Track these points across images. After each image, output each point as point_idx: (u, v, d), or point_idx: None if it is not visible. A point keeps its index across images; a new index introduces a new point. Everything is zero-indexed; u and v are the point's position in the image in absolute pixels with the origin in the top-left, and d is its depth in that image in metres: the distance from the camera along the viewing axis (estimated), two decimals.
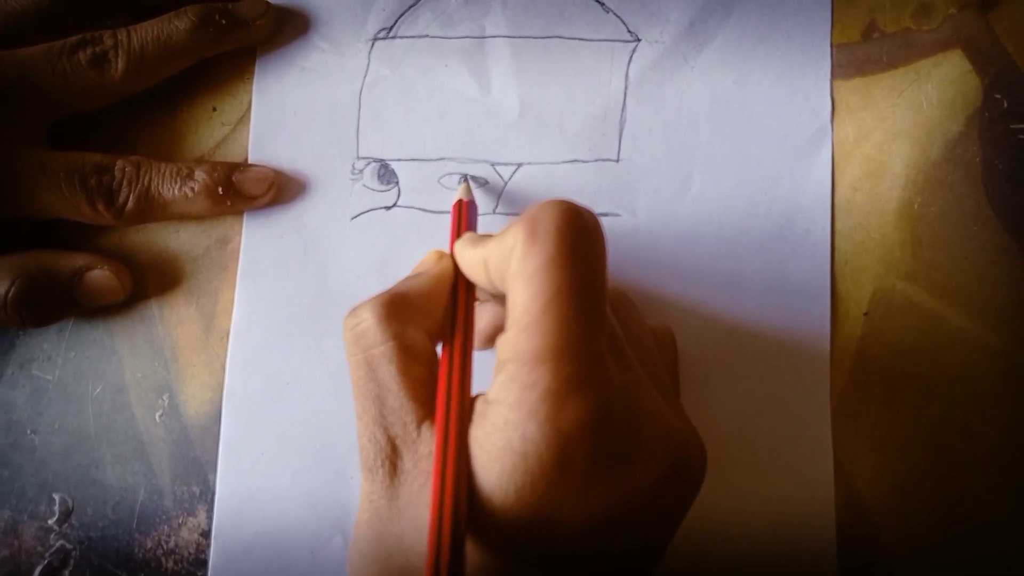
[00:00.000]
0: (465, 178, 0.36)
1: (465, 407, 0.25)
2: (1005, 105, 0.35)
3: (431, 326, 0.27)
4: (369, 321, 0.26)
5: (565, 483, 0.23)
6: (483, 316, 0.30)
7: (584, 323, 0.23)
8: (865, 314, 0.35)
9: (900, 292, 0.35)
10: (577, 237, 0.24)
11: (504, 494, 0.23)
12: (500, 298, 0.30)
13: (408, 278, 0.29)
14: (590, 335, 0.24)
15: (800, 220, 0.35)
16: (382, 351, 0.26)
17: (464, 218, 0.32)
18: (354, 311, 0.27)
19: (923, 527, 0.33)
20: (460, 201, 0.33)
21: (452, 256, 0.29)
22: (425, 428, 0.25)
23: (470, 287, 0.29)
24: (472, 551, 0.23)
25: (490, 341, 0.30)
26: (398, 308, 0.27)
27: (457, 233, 0.31)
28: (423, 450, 0.25)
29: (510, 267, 0.24)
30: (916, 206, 0.35)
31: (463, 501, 0.23)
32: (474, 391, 0.26)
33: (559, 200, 0.25)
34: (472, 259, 0.27)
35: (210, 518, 0.35)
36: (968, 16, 0.36)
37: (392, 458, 0.25)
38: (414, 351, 0.26)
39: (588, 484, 0.23)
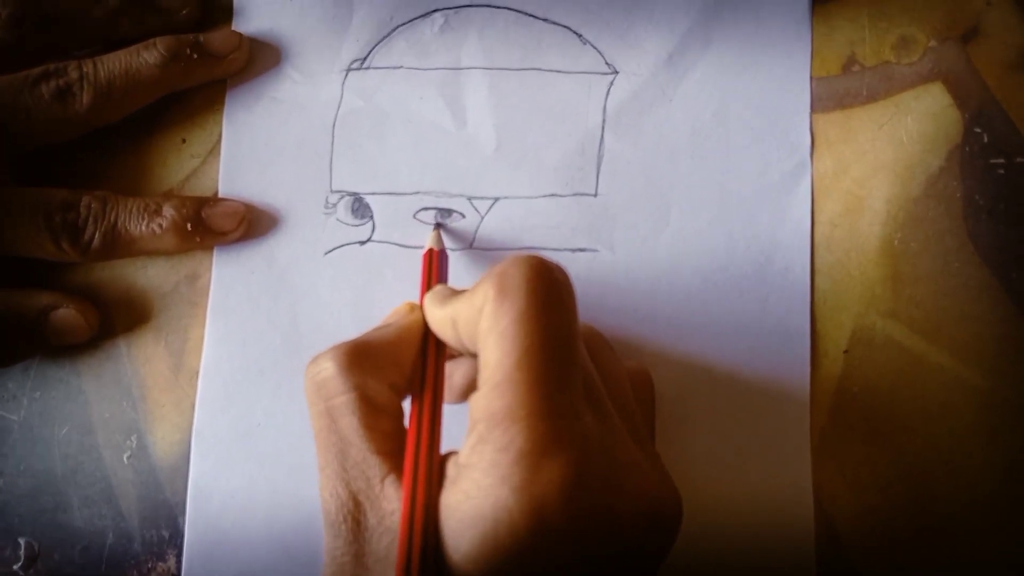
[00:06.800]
0: (437, 226, 0.35)
1: (434, 471, 0.24)
2: (985, 139, 0.35)
3: (396, 379, 0.27)
4: (330, 370, 0.26)
5: (539, 547, 0.22)
6: (459, 370, 0.30)
7: (557, 379, 0.23)
8: (845, 352, 0.34)
9: (881, 330, 0.34)
10: (547, 292, 0.24)
11: (475, 564, 0.22)
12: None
13: (375, 329, 0.28)
14: (564, 391, 0.23)
15: (779, 257, 0.35)
16: (343, 401, 0.25)
17: (435, 269, 0.31)
18: (315, 359, 0.26)
19: (905, 567, 0.33)
20: (431, 250, 0.32)
21: (422, 308, 0.29)
22: (389, 483, 0.24)
23: (440, 344, 0.28)
24: None
25: (465, 396, 0.29)
26: (361, 358, 0.26)
27: (428, 284, 0.30)
28: (387, 507, 0.24)
29: (480, 324, 0.24)
30: (896, 242, 0.35)
31: (431, 570, 0.22)
32: (445, 447, 0.26)
33: (528, 255, 0.24)
34: (441, 318, 0.27)
35: (179, 563, 0.34)
36: (949, 49, 0.36)
37: (355, 513, 0.24)
38: (377, 403, 0.26)
39: (563, 545, 0.22)
